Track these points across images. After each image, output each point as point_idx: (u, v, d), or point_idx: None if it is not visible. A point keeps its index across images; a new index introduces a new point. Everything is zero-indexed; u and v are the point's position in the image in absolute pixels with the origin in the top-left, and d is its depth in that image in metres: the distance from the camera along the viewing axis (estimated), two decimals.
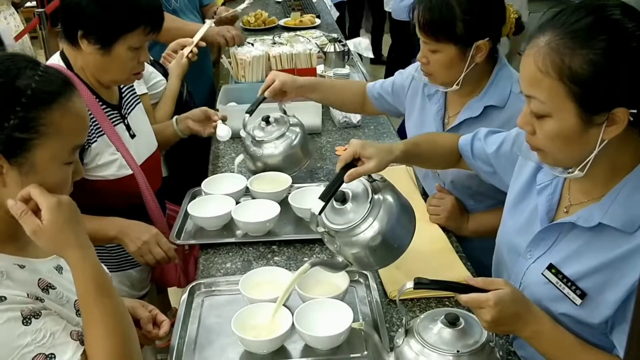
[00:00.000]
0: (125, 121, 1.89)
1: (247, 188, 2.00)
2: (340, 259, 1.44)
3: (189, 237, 1.89)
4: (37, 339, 1.05)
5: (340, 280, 1.53)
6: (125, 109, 1.91)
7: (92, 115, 1.76)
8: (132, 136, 1.90)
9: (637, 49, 1.07)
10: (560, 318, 1.21)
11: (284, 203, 1.90)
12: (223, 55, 3.17)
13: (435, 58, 1.72)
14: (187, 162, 2.60)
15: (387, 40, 6.11)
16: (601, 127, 1.10)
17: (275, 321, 1.43)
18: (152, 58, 2.21)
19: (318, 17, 4.11)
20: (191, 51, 2.54)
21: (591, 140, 1.12)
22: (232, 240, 1.83)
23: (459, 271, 1.63)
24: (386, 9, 5.68)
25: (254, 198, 1.96)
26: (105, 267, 1.18)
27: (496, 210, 1.55)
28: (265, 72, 2.85)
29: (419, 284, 1.20)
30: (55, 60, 1.81)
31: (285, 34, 3.61)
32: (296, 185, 2.02)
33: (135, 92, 2.02)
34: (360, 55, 3.60)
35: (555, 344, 1.19)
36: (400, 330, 1.27)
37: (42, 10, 3.30)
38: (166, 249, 1.75)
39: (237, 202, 1.92)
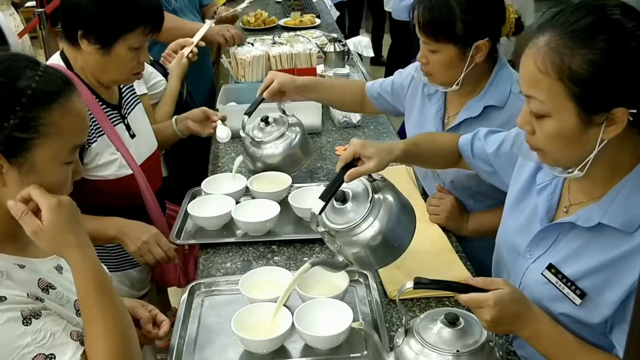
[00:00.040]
0: (125, 121, 1.89)
1: (247, 188, 2.00)
2: (340, 258, 1.44)
3: (189, 237, 1.89)
4: (37, 339, 1.05)
5: (340, 280, 1.53)
6: (125, 109, 1.91)
7: (92, 115, 1.76)
8: (132, 136, 1.90)
9: (636, 48, 1.08)
10: (560, 318, 1.21)
11: (283, 203, 1.90)
12: (223, 55, 3.17)
13: (435, 58, 1.72)
14: (187, 162, 2.60)
15: (387, 40, 6.11)
16: (601, 127, 1.10)
17: (275, 321, 1.43)
18: (152, 58, 2.20)
19: (318, 17, 4.11)
20: (191, 51, 2.54)
21: (591, 140, 1.12)
22: (232, 240, 1.83)
23: (458, 271, 1.63)
24: (386, 9, 5.67)
25: (254, 198, 1.96)
26: (105, 267, 1.18)
27: (496, 210, 1.55)
28: (265, 72, 2.84)
29: (419, 283, 1.21)
30: (55, 60, 1.81)
31: (285, 34, 3.61)
32: (296, 185, 2.02)
33: (135, 92, 2.01)
34: (360, 55, 3.60)
35: (554, 343, 1.19)
36: (400, 330, 1.28)
37: (42, 10, 3.31)
38: (166, 249, 1.75)
39: (237, 202, 1.92)
